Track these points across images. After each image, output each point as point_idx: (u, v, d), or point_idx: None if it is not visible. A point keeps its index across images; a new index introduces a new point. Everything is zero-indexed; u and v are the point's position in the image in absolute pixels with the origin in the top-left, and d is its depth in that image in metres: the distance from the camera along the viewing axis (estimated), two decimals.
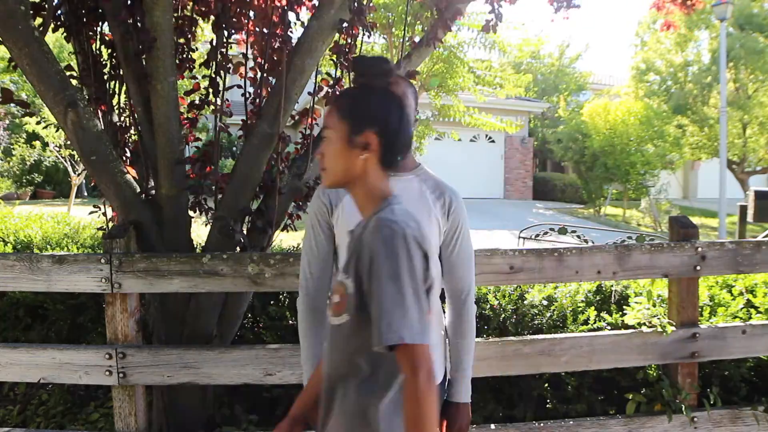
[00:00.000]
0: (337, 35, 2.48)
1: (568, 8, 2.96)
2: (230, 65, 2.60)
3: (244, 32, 2.57)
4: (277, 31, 2.51)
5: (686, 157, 16.73)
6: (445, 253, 1.66)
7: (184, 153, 2.49)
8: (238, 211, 2.48)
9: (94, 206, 2.85)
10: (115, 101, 2.72)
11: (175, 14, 2.59)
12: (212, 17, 2.59)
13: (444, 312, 1.74)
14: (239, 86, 2.58)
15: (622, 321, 2.56)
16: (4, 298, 3.07)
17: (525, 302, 2.68)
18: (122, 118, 2.74)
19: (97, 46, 2.63)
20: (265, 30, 2.53)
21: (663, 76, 16.95)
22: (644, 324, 2.43)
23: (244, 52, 2.57)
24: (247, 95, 2.58)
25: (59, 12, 2.55)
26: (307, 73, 2.45)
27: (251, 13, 2.58)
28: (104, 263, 2.26)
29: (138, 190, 2.44)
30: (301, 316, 1.68)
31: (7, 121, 14.23)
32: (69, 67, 2.53)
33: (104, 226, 2.86)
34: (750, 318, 2.71)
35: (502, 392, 2.69)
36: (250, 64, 2.60)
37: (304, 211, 2.62)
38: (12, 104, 2.24)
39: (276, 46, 2.52)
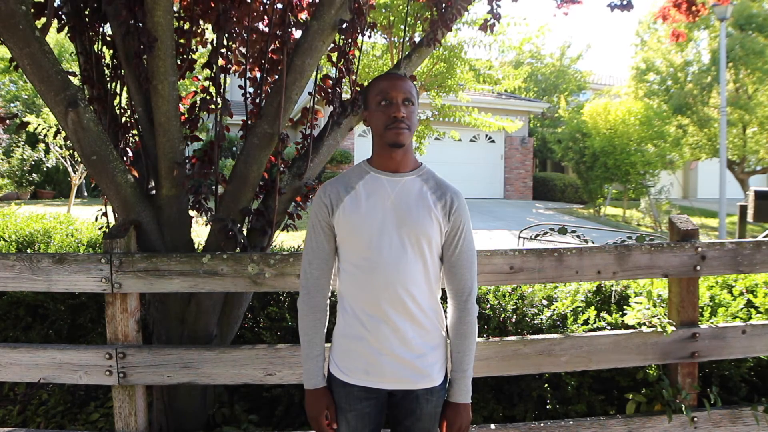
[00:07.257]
0: (336, 35, 2.48)
1: (572, 3, 2.97)
2: (231, 66, 2.60)
3: (244, 33, 2.57)
4: (277, 32, 2.51)
5: (686, 158, 16.72)
6: (447, 253, 1.66)
7: (185, 153, 2.50)
8: (238, 211, 2.48)
9: (104, 214, 2.86)
10: (116, 101, 2.72)
11: (176, 15, 2.59)
12: (213, 18, 2.59)
13: (445, 312, 1.74)
14: (240, 86, 2.58)
15: (622, 321, 2.56)
16: (4, 297, 3.07)
17: (525, 302, 2.69)
18: (123, 119, 2.74)
19: (99, 47, 2.64)
20: (265, 30, 2.53)
21: (663, 76, 16.94)
22: (644, 324, 2.43)
23: (245, 52, 2.57)
24: (247, 95, 2.58)
25: (61, 12, 2.55)
26: (307, 74, 2.45)
27: (252, 14, 2.57)
28: (104, 263, 2.26)
29: (138, 190, 2.44)
30: (301, 314, 1.68)
31: (8, 122, 14.20)
32: (72, 73, 2.54)
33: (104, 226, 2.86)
34: (750, 318, 2.71)
35: (502, 392, 2.69)
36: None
37: (305, 211, 2.62)
38: (12, 105, 2.25)
39: (276, 46, 2.52)
